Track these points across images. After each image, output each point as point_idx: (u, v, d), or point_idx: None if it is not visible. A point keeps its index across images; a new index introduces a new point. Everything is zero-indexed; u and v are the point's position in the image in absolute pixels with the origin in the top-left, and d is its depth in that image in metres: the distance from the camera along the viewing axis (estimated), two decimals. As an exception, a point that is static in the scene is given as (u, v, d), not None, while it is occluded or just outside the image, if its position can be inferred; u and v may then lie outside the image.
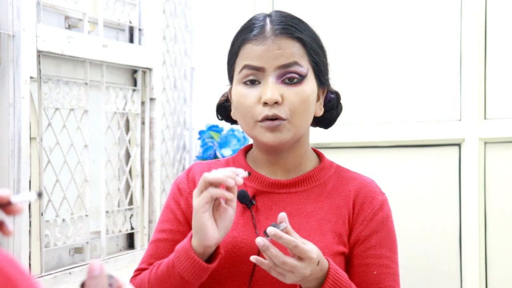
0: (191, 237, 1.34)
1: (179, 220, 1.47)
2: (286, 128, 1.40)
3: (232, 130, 2.63)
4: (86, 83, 2.20)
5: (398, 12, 2.54)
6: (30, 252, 1.96)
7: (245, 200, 1.44)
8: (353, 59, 2.59)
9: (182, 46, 2.78)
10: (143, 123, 2.52)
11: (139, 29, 2.52)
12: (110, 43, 2.29)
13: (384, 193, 1.49)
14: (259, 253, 1.36)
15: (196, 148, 2.81)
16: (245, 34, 1.42)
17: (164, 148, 2.65)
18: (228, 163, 1.52)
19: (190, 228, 1.42)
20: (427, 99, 2.50)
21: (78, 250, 2.22)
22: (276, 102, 1.38)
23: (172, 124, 2.71)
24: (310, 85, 1.41)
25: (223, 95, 1.55)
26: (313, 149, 1.53)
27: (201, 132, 2.70)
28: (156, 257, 1.46)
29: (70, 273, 2.11)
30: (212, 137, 2.66)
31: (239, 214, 1.43)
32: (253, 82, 1.40)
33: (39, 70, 2.01)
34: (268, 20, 1.43)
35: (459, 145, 2.45)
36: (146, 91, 2.52)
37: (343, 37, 2.60)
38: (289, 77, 1.39)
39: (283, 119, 1.38)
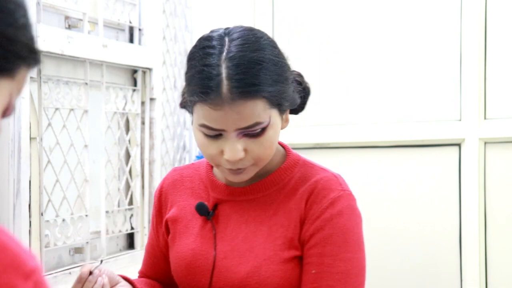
0: None
1: (152, 235, 1.55)
2: (251, 170, 1.36)
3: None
4: (86, 83, 2.20)
5: (398, 12, 2.54)
6: (30, 252, 1.96)
7: (204, 211, 1.42)
8: (353, 59, 2.59)
9: (182, 46, 2.78)
10: (143, 123, 2.52)
11: (139, 29, 2.52)
12: (110, 43, 2.29)
13: (343, 190, 1.38)
14: (214, 265, 1.38)
15: (196, 148, 2.81)
16: (200, 87, 1.28)
17: (164, 148, 2.65)
18: (200, 168, 1.51)
19: (159, 243, 1.53)
20: (427, 99, 2.50)
21: (78, 250, 2.22)
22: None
23: (172, 124, 2.71)
24: (273, 127, 1.33)
25: (182, 92, 1.43)
26: (279, 143, 1.45)
27: (201, 132, 2.70)
28: (145, 263, 1.58)
29: (70, 273, 2.11)
30: (212, 137, 2.66)
31: (200, 226, 1.43)
32: (213, 136, 1.32)
33: (39, 70, 2.01)
34: (225, 69, 1.27)
35: (459, 145, 2.45)
36: (146, 91, 2.52)
37: (343, 37, 2.60)
38: (251, 132, 1.30)
39: (247, 166, 1.35)
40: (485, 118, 2.42)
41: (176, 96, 2.73)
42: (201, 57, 1.31)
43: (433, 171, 2.48)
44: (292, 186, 1.40)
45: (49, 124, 2.06)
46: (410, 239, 2.47)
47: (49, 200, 2.06)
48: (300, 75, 1.44)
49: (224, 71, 1.27)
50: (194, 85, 1.30)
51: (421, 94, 2.51)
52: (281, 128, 1.38)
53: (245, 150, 1.31)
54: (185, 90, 1.36)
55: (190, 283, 1.41)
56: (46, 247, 2.05)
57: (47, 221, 2.06)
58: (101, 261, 1.40)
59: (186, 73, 1.35)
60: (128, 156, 2.49)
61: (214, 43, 1.31)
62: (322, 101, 2.54)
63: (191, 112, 1.36)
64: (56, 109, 2.10)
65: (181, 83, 2.76)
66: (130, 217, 2.49)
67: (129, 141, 2.47)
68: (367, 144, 2.56)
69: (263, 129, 1.31)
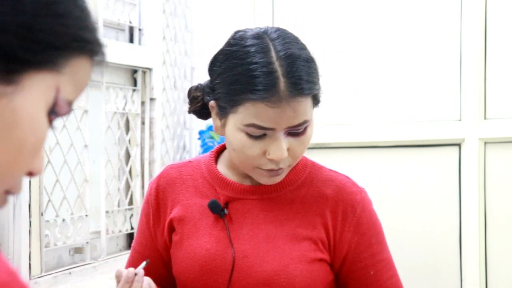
0: None
1: (145, 234, 1.50)
2: (286, 171, 1.38)
3: (232, 130, 2.63)
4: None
5: (398, 12, 2.54)
6: (30, 252, 1.96)
7: (217, 210, 1.40)
8: (353, 59, 2.59)
9: (182, 46, 2.78)
10: (143, 123, 2.52)
11: (139, 29, 2.53)
12: (110, 43, 2.29)
13: (361, 188, 1.44)
14: (233, 265, 1.36)
15: (196, 148, 2.81)
16: (255, 85, 1.26)
17: (164, 148, 2.65)
18: (200, 165, 1.47)
19: (154, 243, 1.48)
20: (427, 99, 2.50)
21: (78, 250, 2.22)
22: None
23: (172, 124, 2.71)
24: (311, 125, 1.35)
25: (193, 97, 1.44)
26: None
27: (201, 132, 2.70)
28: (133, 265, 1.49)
29: (70, 273, 2.11)
30: (212, 137, 2.66)
31: (211, 225, 1.40)
32: (257, 136, 1.31)
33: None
34: (280, 67, 1.27)
35: (459, 145, 2.45)
36: (146, 91, 2.53)
37: (343, 37, 2.60)
38: (296, 131, 1.32)
39: (285, 166, 1.36)
40: (485, 118, 2.42)
41: (176, 96, 2.73)
42: (246, 55, 1.29)
43: (433, 171, 2.48)
44: (308, 188, 1.42)
45: (49, 124, 2.06)
46: (410, 239, 2.47)
47: (49, 200, 2.06)
48: None
49: (279, 69, 1.27)
50: (244, 84, 1.28)
51: (421, 94, 2.51)
52: None
53: (288, 150, 1.32)
54: (223, 90, 1.32)
55: (205, 284, 1.38)
56: (46, 247, 2.05)
57: (47, 221, 2.06)
58: (147, 261, 1.37)
59: (223, 73, 1.32)
60: (128, 156, 2.49)
61: (256, 41, 1.31)
62: (322, 102, 2.54)
63: (227, 113, 1.33)
64: (56, 109, 2.10)
65: (181, 83, 2.76)
66: (130, 217, 2.49)
67: (129, 141, 2.47)
68: (367, 144, 2.56)
69: (306, 128, 1.33)
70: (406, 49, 2.53)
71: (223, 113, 1.34)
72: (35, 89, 0.68)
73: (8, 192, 0.70)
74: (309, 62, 1.32)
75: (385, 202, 2.51)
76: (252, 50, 1.29)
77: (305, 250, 1.37)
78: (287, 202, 1.41)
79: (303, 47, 1.34)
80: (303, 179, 1.43)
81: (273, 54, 1.28)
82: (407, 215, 2.49)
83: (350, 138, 2.57)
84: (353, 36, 2.60)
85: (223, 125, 1.36)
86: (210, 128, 2.67)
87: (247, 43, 1.31)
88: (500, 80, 2.41)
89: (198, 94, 1.42)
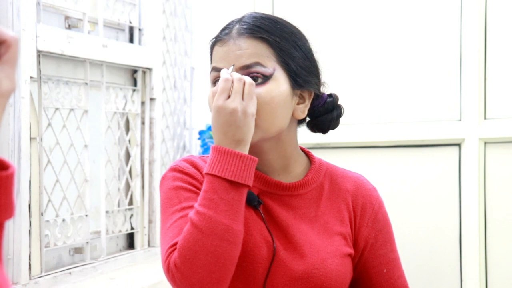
0: (217, 147, 1.29)
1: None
2: None
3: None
4: (86, 83, 2.20)
5: (398, 12, 2.54)
6: (30, 252, 1.96)
7: (253, 200, 1.39)
8: (353, 59, 2.59)
9: (182, 46, 2.78)
10: (143, 123, 2.52)
11: (139, 29, 2.52)
12: (110, 43, 2.29)
13: (374, 186, 1.52)
14: (274, 255, 1.36)
15: (196, 148, 2.81)
16: (216, 36, 1.43)
17: (164, 148, 2.65)
18: None
19: None
20: (427, 99, 2.50)
21: (78, 250, 2.21)
22: None
23: (172, 124, 2.71)
24: (277, 85, 1.36)
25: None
26: (301, 148, 1.50)
27: (201, 132, 2.70)
28: None
29: (70, 273, 2.11)
30: (212, 137, 2.66)
31: (247, 213, 1.37)
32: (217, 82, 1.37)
33: (39, 70, 2.01)
34: (238, 22, 1.42)
35: (459, 145, 2.45)
36: (146, 91, 2.52)
37: (343, 37, 2.60)
38: (252, 78, 1.35)
39: None
40: (485, 118, 2.42)
41: (176, 96, 2.73)
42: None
43: (433, 171, 2.48)
44: (329, 185, 1.46)
45: (49, 124, 2.06)
46: (410, 239, 2.47)
47: (49, 200, 2.06)
48: (335, 96, 1.51)
49: (237, 20, 1.42)
50: (215, 37, 1.42)
51: (421, 94, 2.51)
52: (296, 116, 1.42)
53: None
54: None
55: (245, 270, 1.35)
56: (46, 247, 2.05)
57: (47, 221, 2.06)
58: (234, 65, 1.38)
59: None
60: (128, 156, 2.49)
61: (235, 19, 1.45)
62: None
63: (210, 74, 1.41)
64: (56, 109, 2.10)
65: (181, 83, 2.76)
66: (130, 217, 2.49)
67: (129, 141, 2.47)
68: (367, 144, 2.56)
69: (265, 80, 1.36)
70: (406, 49, 2.53)
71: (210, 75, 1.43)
72: None
73: None
74: (276, 22, 1.40)
75: (385, 202, 2.51)
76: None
77: (338, 245, 1.41)
78: (313, 200, 1.44)
79: (289, 24, 1.42)
80: (323, 176, 1.47)
81: (240, 20, 1.42)
82: (407, 215, 2.49)
83: (350, 138, 2.57)
84: (353, 36, 2.60)
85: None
86: (210, 128, 2.67)
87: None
88: (500, 80, 2.41)
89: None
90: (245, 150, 1.30)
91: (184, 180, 1.39)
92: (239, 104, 1.29)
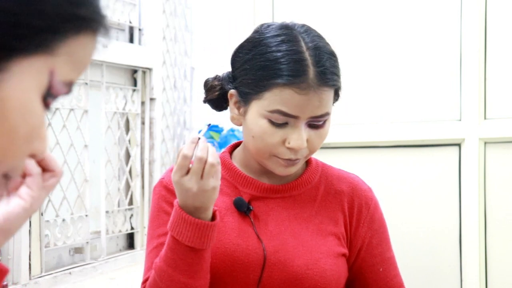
0: (178, 208, 1.29)
1: None
2: (300, 163, 1.40)
3: (232, 130, 2.63)
4: (86, 83, 2.20)
5: (398, 12, 2.54)
6: (30, 252, 1.96)
7: (242, 207, 1.42)
8: (353, 59, 2.59)
9: (182, 46, 2.78)
10: (143, 123, 2.52)
11: (139, 29, 2.53)
12: (110, 43, 2.29)
13: (370, 186, 1.53)
14: (265, 260, 1.37)
15: (196, 148, 2.81)
16: (285, 70, 1.31)
17: (164, 148, 2.65)
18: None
19: None
20: (427, 99, 2.50)
21: (78, 250, 2.22)
22: None
23: (172, 124, 2.72)
24: (330, 119, 1.40)
25: (211, 86, 1.45)
26: None
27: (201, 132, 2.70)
28: None
29: (70, 273, 2.11)
30: (212, 137, 2.66)
31: (237, 221, 1.42)
32: (280, 124, 1.34)
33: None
34: (309, 56, 1.32)
35: (459, 145, 2.45)
36: (146, 91, 2.53)
37: (343, 37, 2.60)
38: (317, 122, 1.36)
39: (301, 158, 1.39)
40: (485, 118, 2.42)
41: (176, 96, 2.73)
42: (276, 43, 1.34)
43: (433, 171, 2.48)
44: (324, 186, 1.47)
45: (49, 124, 2.06)
46: (410, 239, 2.47)
47: (49, 200, 2.06)
48: None
49: (309, 58, 1.32)
50: (273, 69, 1.31)
51: (421, 94, 2.51)
52: None
53: (306, 141, 1.36)
54: (250, 76, 1.35)
55: (235, 279, 1.38)
56: (46, 247, 2.05)
57: (47, 221, 2.06)
58: (208, 124, 1.37)
59: (251, 59, 1.35)
60: (128, 156, 2.49)
61: (285, 31, 1.36)
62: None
63: (250, 100, 1.35)
64: (56, 109, 2.10)
65: (181, 83, 2.76)
66: (130, 217, 2.49)
67: (129, 141, 2.47)
68: (367, 144, 2.56)
69: (325, 121, 1.37)
70: (406, 49, 2.53)
71: (245, 100, 1.37)
72: (26, 75, 0.64)
73: (7, 176, 0.68)
74: (334, 56, 1.39)
75: (385, 202, 2.50)
76: (282, 39, 1.34)
77: (331, 245, 1.42)
78: (307, 200, 1.45)
79: (327, 43, 1.40)
80: (318, 177, 1.48)
81: (302, 44, 1.33)
82: (407, 215, 2.48)
83: (350, 138, 2.57)
84: (353, 36, 2.60)
85: (243, 113, 1.38)
86: (210, 128, 2.67)
87: (276, 33, 1.36)
88: (500, 80, 2.41)
89: (216, 83, 1.44)
90: (206, 214, 1.30)
91: (167, 199, 1.42)
92: (195, 184, 1.25)
